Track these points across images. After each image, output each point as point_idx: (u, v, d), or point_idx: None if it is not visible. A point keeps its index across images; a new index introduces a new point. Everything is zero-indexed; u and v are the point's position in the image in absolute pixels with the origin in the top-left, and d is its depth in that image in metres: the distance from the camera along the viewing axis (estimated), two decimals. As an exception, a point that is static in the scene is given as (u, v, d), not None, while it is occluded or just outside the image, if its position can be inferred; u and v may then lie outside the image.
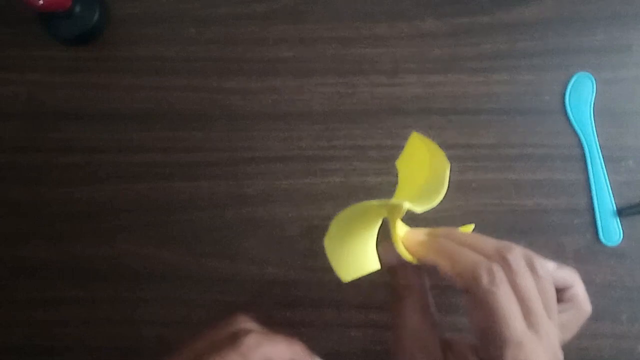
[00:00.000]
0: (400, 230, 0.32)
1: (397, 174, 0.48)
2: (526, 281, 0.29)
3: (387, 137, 0.47)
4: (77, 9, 0.47)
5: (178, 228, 0.46)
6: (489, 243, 0.30)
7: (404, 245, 0.31)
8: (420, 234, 0.32)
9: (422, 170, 0.34)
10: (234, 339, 0.29)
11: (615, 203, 0.46)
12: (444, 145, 0.46)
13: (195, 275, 0.46)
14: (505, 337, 0.26)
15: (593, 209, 0.46)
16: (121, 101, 0.48)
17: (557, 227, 0.46)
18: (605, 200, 0.46)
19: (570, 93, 0.47)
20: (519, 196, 0.46)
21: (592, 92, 0.47)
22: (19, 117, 0.48)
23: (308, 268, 0.46)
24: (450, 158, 0.46)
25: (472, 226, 0.39)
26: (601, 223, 0.46)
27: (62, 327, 0.46)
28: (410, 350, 0.30)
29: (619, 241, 0.46)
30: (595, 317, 0.45)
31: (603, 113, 0.47)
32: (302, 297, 0.46)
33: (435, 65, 0.47)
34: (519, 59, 0.47)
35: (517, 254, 0.29)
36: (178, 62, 0.48)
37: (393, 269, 0.33)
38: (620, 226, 0.46)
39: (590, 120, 0.47)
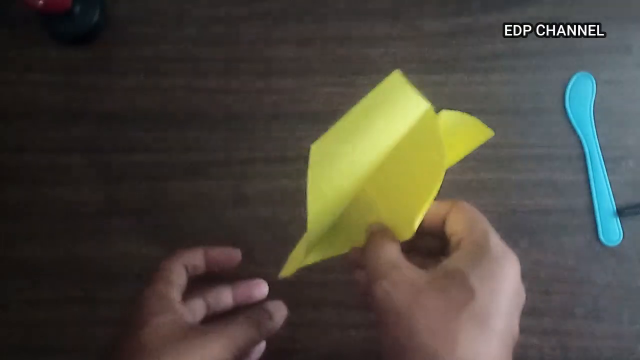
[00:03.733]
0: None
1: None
2: None
3: (387, 137, 0.47)
4: (77, 9, 0.47)
5: (178, 228, 0.46)
6: None
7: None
8: None
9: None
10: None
11: (615, 203, 0.46)
12: (444, 145, 0.47)
13: (195, 275, 0.46)
14: (488, 228, 0.31)
15: (593, 209, 0.46)
16: (121, 101, 0.48)
17: (557, 227, 0.46)
18: (605, 200, 0.46)
19: (570, 93, 0.47)
20: (519, 196, 0.46)
21: (592, 92, 0.47)
22: (19, 117, 0.48)
23: (308, 268, 0.46)
24: (450, 158, 0.47)
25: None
26: (601, 223, 0.46)
27: (62, 327, 0.46)
28: (392, 275, 0.31)
29: (619, 241, 0.46)
30: (595, 317, 0.45)
31: (603, 113, 0.47)
32: (302, 297, 0.46)
33: (435, 65, 0.47)
34: (519, 59, 0.47)
35: None
36: (178, 62, 0.48)
37: None
38: (620, 226, 0.46)
39: (590, 120, 0.47)
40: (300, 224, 0.46)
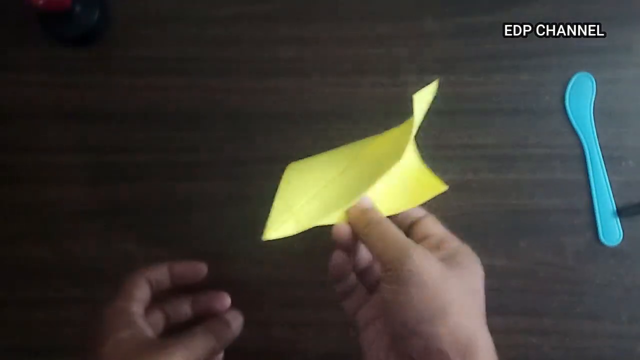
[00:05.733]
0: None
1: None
2: None
3: (387, 137, 0.47)
4: (77, 9, 0.47)
5: (178, 228, 0.46)
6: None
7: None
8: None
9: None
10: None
11: (615, 203, 0.46)
12: (443, 146, 0.47)
13: (195, 275, 0.46)
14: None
15: (593, 209, 0.46)
16: (121, 101, 0.48)
17: (557, 227, 0.46)
18: (605, 200, 0.46)
19: (570, 93, 0.47)
20: (519, 196, 0.46)
21: (592, 92, 0.47)
22: (19, 117, 0.48)
23: (308, 268, 0.46)
24: (450, 158, 0.47)
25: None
26: (601, 223, 0.46)
27: (62, 327, 0.46)
28: (417, 252, 0.33)
29: (619, 241, 0.46)
30: (595, 317, 0.45)
31: (603, 113, 0.47)
32: (302, 297, 0.46)
33: (435, 65, 0.47)
34: (519, 59, 0.47)
35: None
36: (178, 62, 0.48)
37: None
38: (620, 226, 0.46)
39: (590, 120, 0.47)
40: (300, 224, 0.46)
